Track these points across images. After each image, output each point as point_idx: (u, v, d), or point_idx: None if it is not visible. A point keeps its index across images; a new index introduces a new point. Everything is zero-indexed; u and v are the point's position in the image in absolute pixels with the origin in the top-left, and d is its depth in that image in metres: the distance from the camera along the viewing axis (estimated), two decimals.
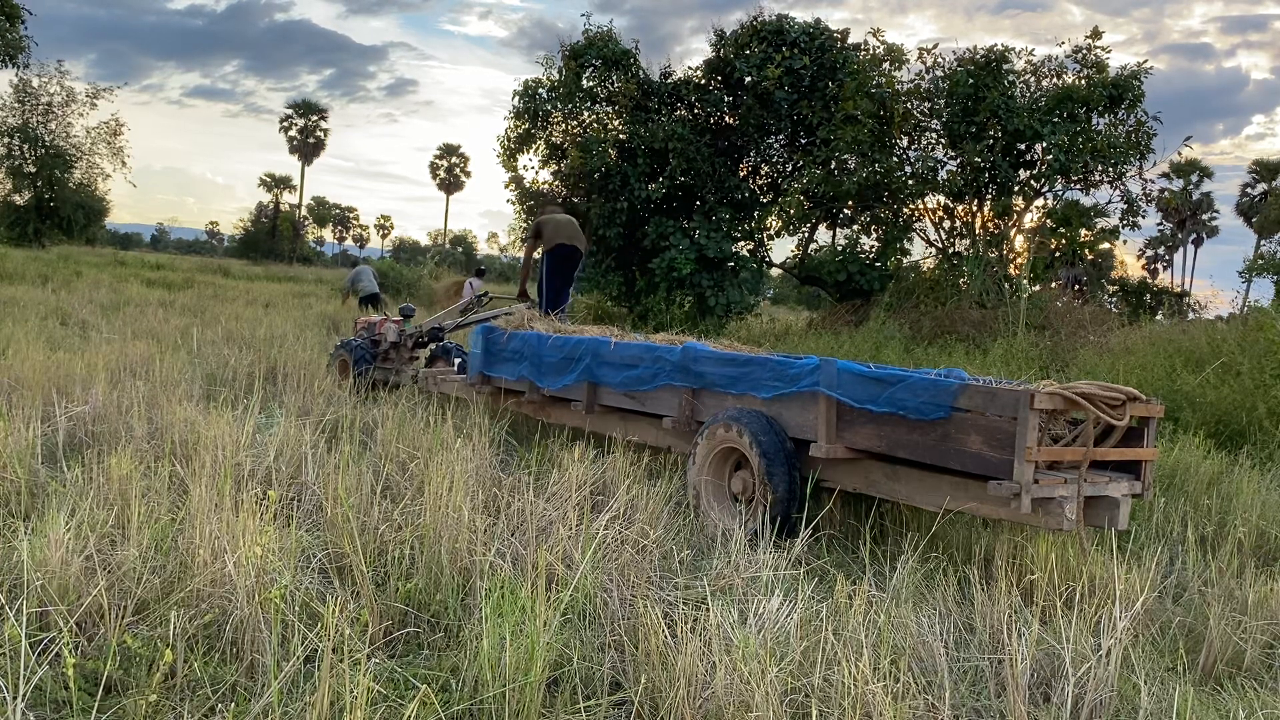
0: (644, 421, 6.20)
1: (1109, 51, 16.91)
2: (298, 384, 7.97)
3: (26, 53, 33.80)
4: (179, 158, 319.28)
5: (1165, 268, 64.95)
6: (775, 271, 20.98)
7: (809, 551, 4.44)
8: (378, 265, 34.21)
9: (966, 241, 17.72)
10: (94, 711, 2.62)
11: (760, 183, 19.79)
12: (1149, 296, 26.09)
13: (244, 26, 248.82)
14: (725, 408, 5.41)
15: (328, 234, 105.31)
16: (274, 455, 5.04)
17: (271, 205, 74.74)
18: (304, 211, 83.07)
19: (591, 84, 18.99)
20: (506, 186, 20.21)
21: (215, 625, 3.17)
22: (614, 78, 18.83)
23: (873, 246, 18.85)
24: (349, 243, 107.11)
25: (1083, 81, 16.46)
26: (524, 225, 20.49)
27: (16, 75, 38.63)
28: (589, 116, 19.30)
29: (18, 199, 41.87)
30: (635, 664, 3.12)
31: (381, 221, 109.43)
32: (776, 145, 19.37)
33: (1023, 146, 16.66)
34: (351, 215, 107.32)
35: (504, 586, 3.18)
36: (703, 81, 18.89)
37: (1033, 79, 17.08)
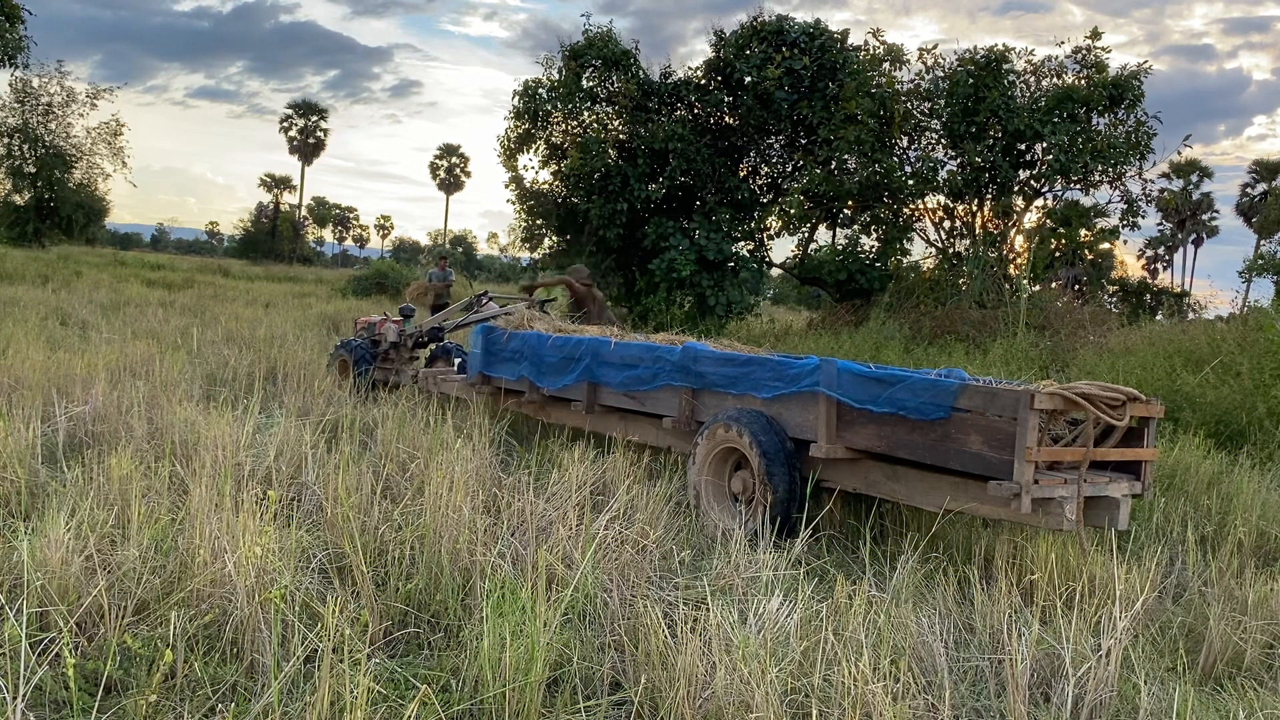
0: (644, 421, 6.20)
1: (1109, 52, 16.94)
2: (298, 384, 7.97)
3: (26, 53, 33.80)
4: (179, 158, 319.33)
5: (1165, 268, 64.99)
6: (775, 271, 20.97)
7: (809, 551, 4.44)
8: (377, 266, 34.16)
9: (966, 241, 17.73)
10: (94, 711, 2.62)
11: (760, 183, 19.78)
12: (1149, 296, 26.10)
13: (249, 28, 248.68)
14: (725, 408, 5.41)
15: (328, 234, 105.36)
16: (274, 455, 5.04)
17: (271, 205, 74.76)
18: (304, 212, 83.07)
19: (591, 84, 18.98)
20: (506, 186, 20.20)
21: (215, 625, 3.17)
22: (614, 78, 18.82)
23: (873, 246, 18.84)
24: (349, 243, 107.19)
25: (1083, 82, 16.47)
26: (524, 225, 20.54)
27: (16, 75, 38.67)
28: (589, 117, 19.29)
29: (18, 199, 41.87)
30: (635, 664, 3.12)
31: (381, 221, 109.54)
32: (776, 145, 19.36)
33: (1023, 146, 16.66)
34: (351, 215, 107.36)
35: (504, 587, 3.18)
36: (703, 82, 18.88)
37: (1033, 79, 17.09)
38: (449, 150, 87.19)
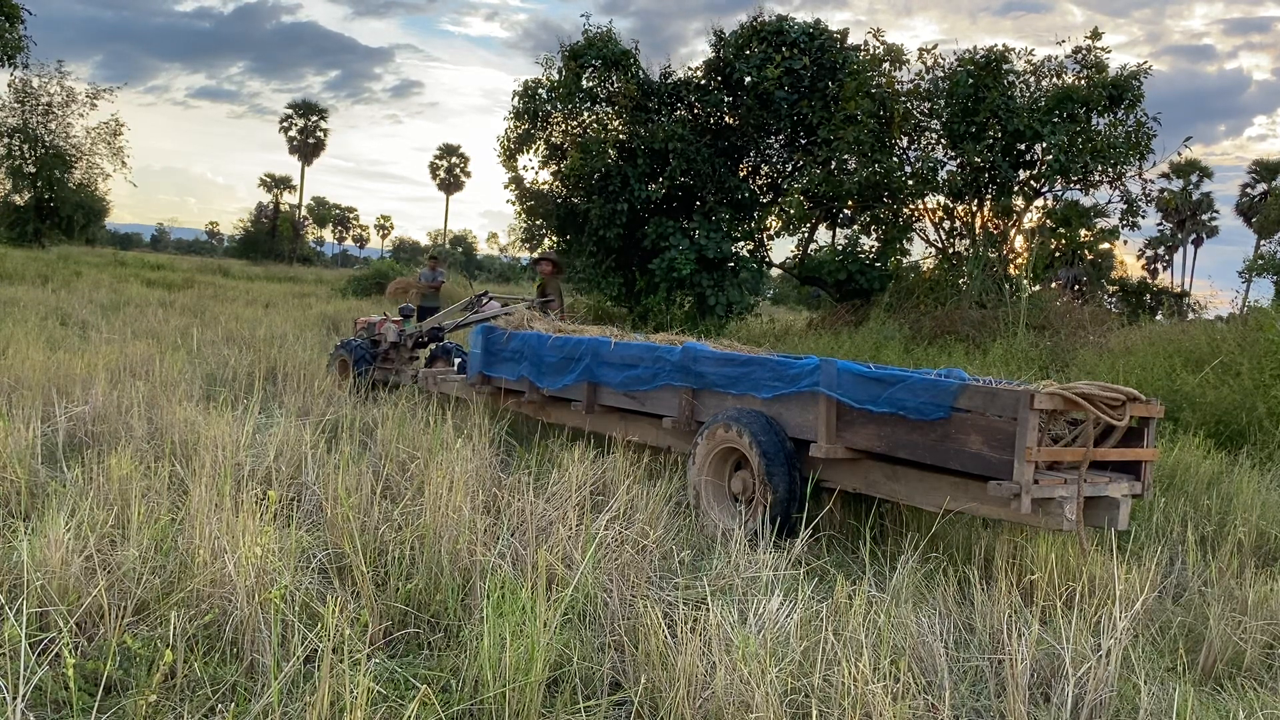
0: (644, 421, 6.20)
1: (1109, 52, 16.95)
2: (298, 384, 7.97)
3: (26, 53, 33.80)
4: (180, 158, 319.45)
5: (1165, 268, 64.98)
6: (775, 271, 20.97)
7: (809, 551, 4.44)
8: (377, 266, 34.10)
9: (966, 241, 17.73)
10: (94, 711, 2.62)
11: (760, 183, 19.78)
12: (1149, 296, 26.12)
13: (250, 28, 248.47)
14: (725, 408, 5.41)
15: (328, 234, 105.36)
16: (274, 455, 5.04)
17: (271, 205, 74.75)
18: (304, 212, 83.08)
19: (591, 84, 18.97)
20: (506, 187, 20.21)
21: (215, 625, 3.17)
22: (614, 78, 18.81)
23: (873, 246, 18.85)
24: (349, 243, 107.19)
25: (1083, 82, 16.47)
26: (524, 225, 20.53)
27: (16, 75, 38.67)
28: (589, 117, 19.28)
29: (18, 199, 41.88)
30: (635, 664, 3.12)
31: (381, 221, 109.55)
32: (776, 145, 19.36)
33: (1023, 146, 16.66)
34: (351, 215, 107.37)
35: (504, 587, 3.18)
36: (703, 82, 18.88)
37: (1033, 79, 17.09)
38: (449, 150, 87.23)
